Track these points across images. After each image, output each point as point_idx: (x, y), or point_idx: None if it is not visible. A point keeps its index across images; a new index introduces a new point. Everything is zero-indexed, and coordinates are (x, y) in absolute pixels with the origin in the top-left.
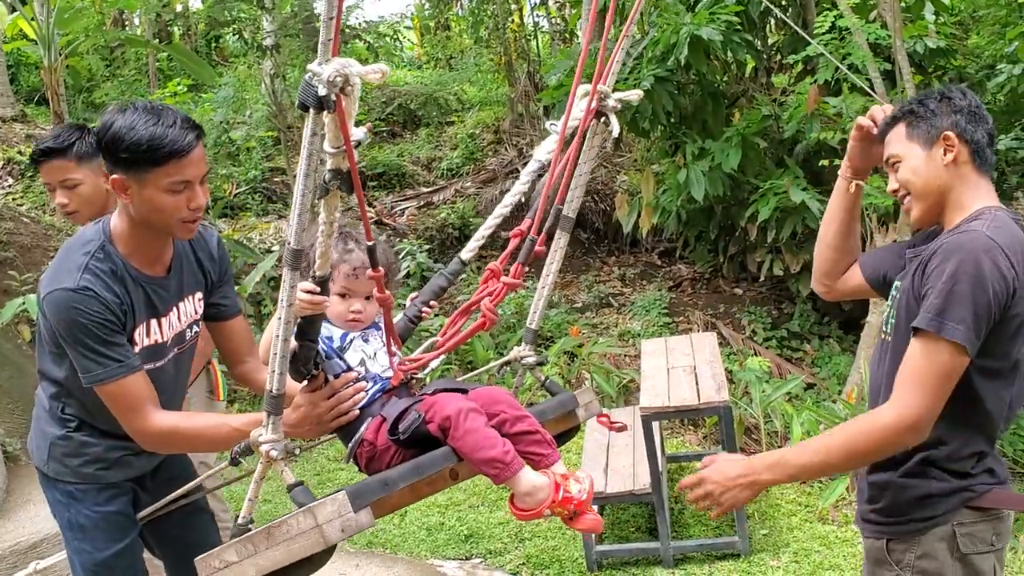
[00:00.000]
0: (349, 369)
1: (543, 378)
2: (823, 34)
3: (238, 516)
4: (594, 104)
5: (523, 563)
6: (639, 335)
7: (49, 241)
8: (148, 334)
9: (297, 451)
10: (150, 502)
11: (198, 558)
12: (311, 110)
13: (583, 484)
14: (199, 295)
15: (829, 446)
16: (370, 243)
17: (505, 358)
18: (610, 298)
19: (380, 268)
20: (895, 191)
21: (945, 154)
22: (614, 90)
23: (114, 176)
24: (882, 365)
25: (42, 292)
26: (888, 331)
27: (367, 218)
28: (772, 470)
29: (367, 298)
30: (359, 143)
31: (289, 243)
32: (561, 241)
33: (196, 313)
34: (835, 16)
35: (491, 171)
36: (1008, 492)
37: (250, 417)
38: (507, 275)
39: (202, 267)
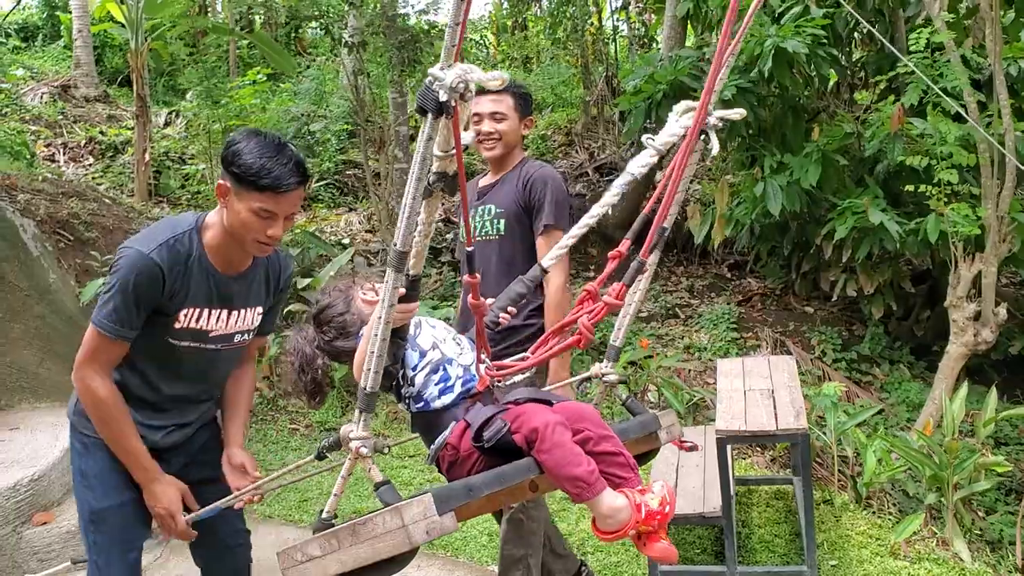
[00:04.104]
0: (424, 353)
1: (624, 396)
2: (917, 53)
3: (322, 511)
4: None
5: None
6: (705, 349)
7: (131, 224)
8: (196, 319)
9: (386, 449)
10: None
11: (280, 550)
12: (429, 114)
13: (661, 495)
14: (260, 309)
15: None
16: (469, 248)
17: (586, 374)
18: (677, 309)
19: (476, 274)
20: (489, 133)
21: (526, 128)
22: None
23: (221, 182)
24: (495, 255)
25: (123, 245)
26: (494, 233)
27: (468, 222)
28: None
29: None
30: (467, 147)
31: (395, 245)
32: (652, 257)
33: (252, 324)
34: (930, 32)
35: (561, 173)
36: None
37: (153, 473)
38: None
39: (268, 288)
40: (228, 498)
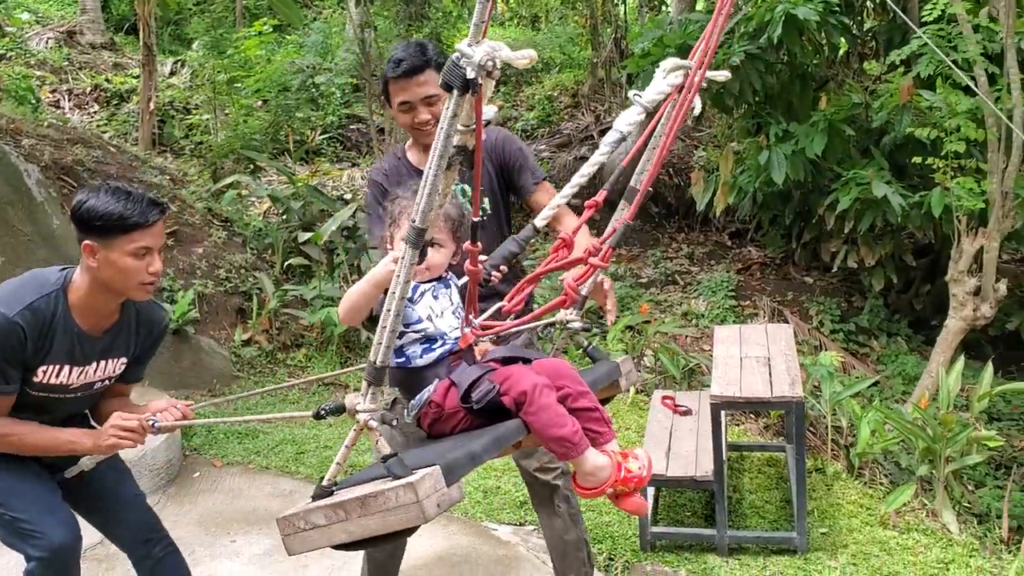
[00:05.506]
0: (419, 321)
1: (586, 344)
2: (931, 23)
3: (322, 478)
4: (683, 80)
5: None
6: (703, 316)
7: (134, 172)
8: (56, 375)
9: (395, 421)
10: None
11: (280, 516)
12: (455, 91)
13: (641, 461)
14: (123, 360)
15: None
16: (476, 219)
17: (550, 319)
18: (676, 275)
19: (478, 244)
20: (427, 121)
21: None
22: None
23: (85, 242)
24: (488, 234)
25: None
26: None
27: (479, 195)
28: None
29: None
30: (488, 122)
31: (414, 221)
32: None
33: (114, 372)
34: (945, 4)
35: (566, 135)
36: None
37: (79, 432)
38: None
39: (138, 339)
40: (174, 406)
